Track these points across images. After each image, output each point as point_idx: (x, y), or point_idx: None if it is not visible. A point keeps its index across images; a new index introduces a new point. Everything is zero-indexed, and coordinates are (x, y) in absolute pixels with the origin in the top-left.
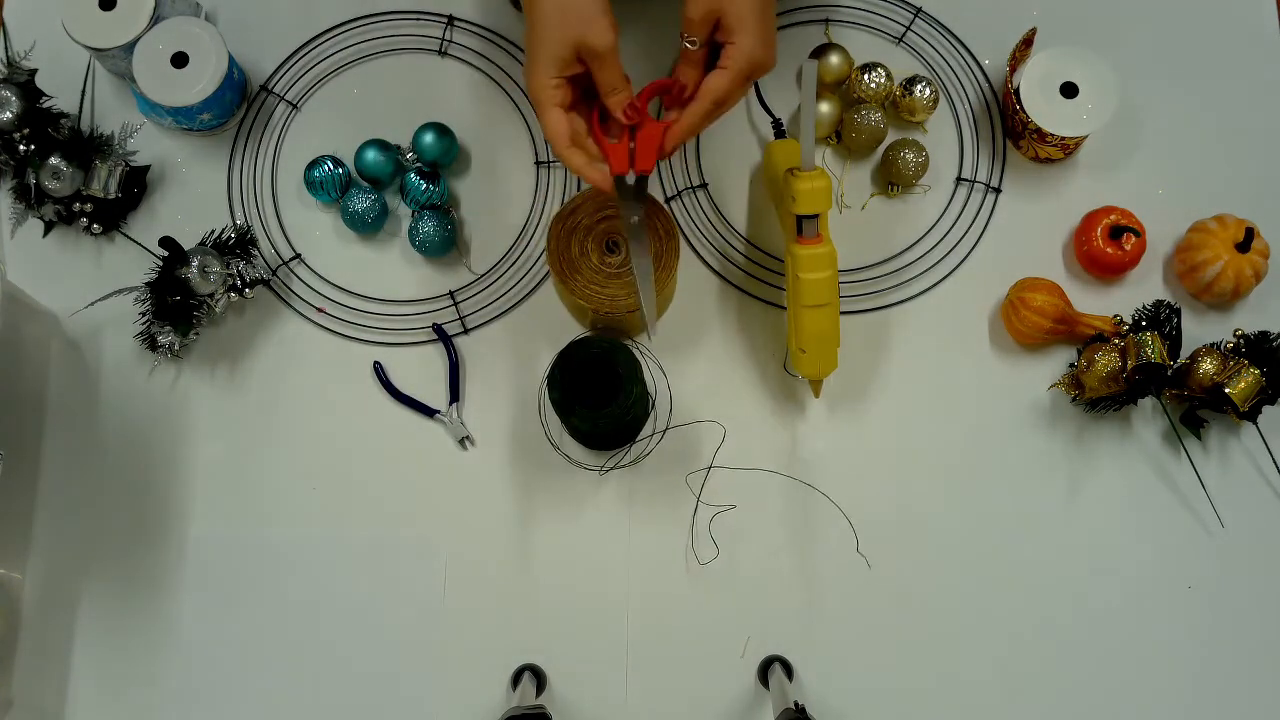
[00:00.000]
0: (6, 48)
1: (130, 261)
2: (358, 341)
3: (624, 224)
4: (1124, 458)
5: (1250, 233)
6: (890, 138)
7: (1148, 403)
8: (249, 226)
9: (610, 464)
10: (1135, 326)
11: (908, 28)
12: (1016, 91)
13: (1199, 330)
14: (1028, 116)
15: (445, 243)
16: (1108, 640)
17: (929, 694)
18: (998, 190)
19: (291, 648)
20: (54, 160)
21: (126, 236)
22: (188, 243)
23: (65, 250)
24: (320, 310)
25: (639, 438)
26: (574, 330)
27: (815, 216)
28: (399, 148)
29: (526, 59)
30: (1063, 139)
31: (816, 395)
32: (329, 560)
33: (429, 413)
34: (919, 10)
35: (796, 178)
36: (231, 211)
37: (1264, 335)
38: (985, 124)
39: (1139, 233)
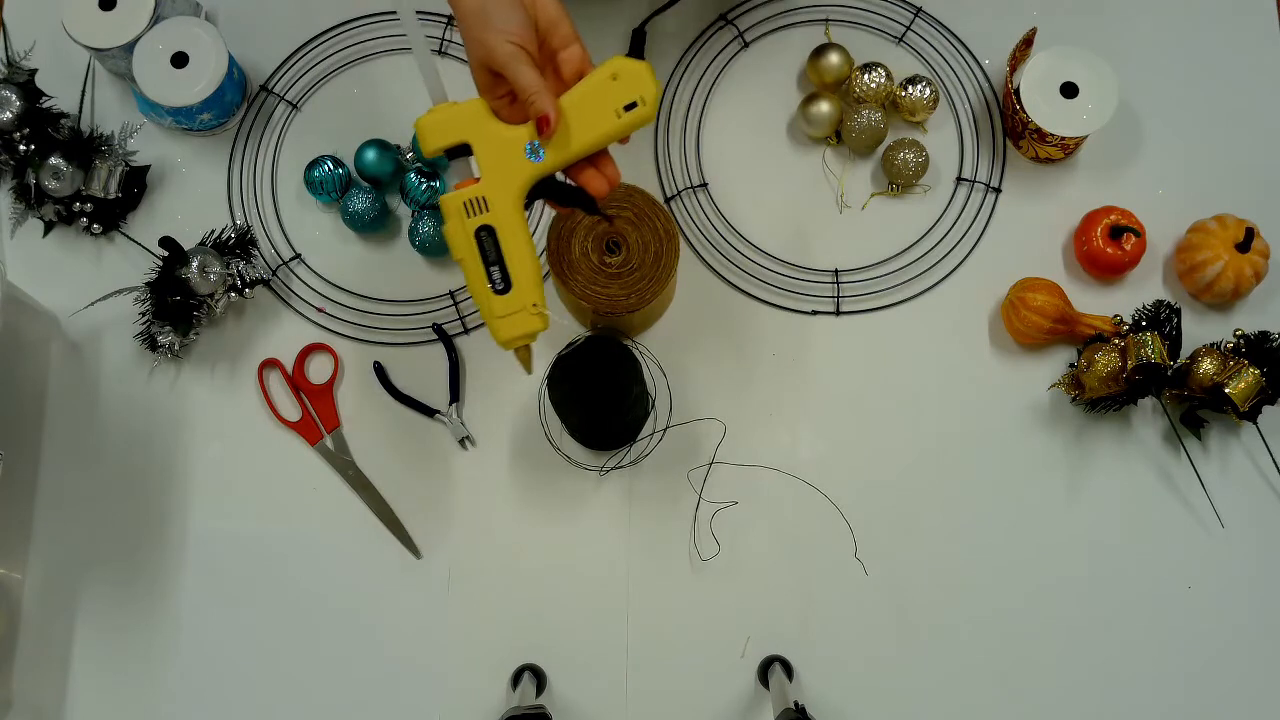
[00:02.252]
0: (6, 48)
1: (130, 261)
2: (358, 341)
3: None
4: (1124, 458)
5: (1250, 233)
6: (890, 138)
7: (1148, 403)
8: (249, 226)
9: (610, 464)
10: (1135, 326)
11: (908, 28)
12: (1016, 91)
13: (1199, 330)
14: (1028, 116)
15: (445, 243)
16: (1107, 640)
17: (929, 694)
18: (998, 190)
19: (291, 648)
20: (54, 160)
21: (126, 236)
22: (188, 243)
23: (65, 250)
24: (320, 310)
25: (639, 437)
26: (574, 330)
27: (462, 156)
28: (399, 148)
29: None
30: (1063, 139)
31: (527, 371)
32: (329, 560)
33: (429, 413)
34: (919, 10)
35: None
36: (231, 211)
37: (1264, 335)
38: (985, 124)
39: (1139, 233)
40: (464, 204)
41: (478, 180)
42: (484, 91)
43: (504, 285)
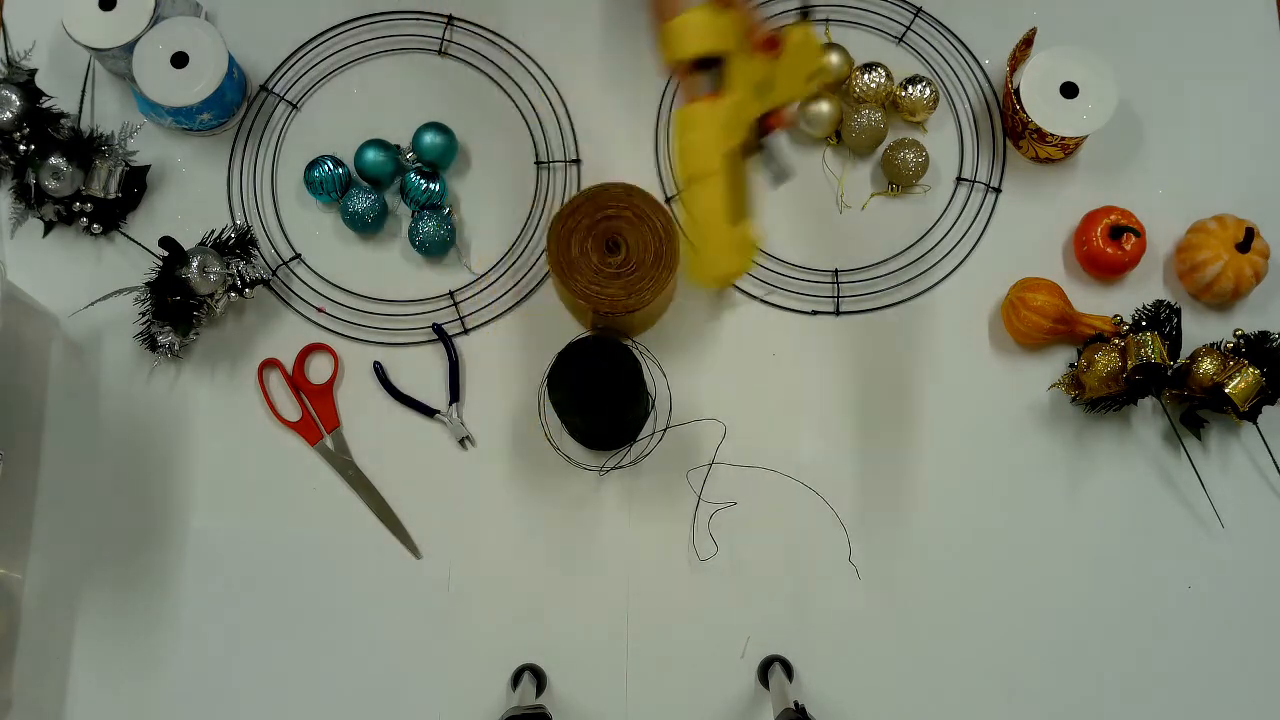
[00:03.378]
0: (6, 48)
1: (130, 261)
2: (358, 341)
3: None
4: (1124, 458)
5: (1250, 233)
6: (890, 138)
7: (1148, 403)
8: (249, 226)
9: (610, 464)
10: (1135, 326)
11: (908, 28)
12: (1016, 91)
13: (1199, 330)
14: (1028, 116)
15: (445, 243)
16: (1107, 640)
17: (929, 694)
18: (998, 190)
19: (292, 648)
20: (54, 160)
21: (126, 236)
22: (188, 243)
23: (65, 250)
24: (320, 310)
25: (639, 438)
26: (574, 330)
27: (713, 65)
28: (399, 148)
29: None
30: (1063, 139)
31: (722, 288)
32: (329, 560)
33: (429, 413)
34: (919, 10)
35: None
36: (231, 211)
37: (1264, 335)
38: (985, 124)
39: (1139, 233)
40: (724, 117)
41: (720, 97)
42: None
43: (737, 215)
